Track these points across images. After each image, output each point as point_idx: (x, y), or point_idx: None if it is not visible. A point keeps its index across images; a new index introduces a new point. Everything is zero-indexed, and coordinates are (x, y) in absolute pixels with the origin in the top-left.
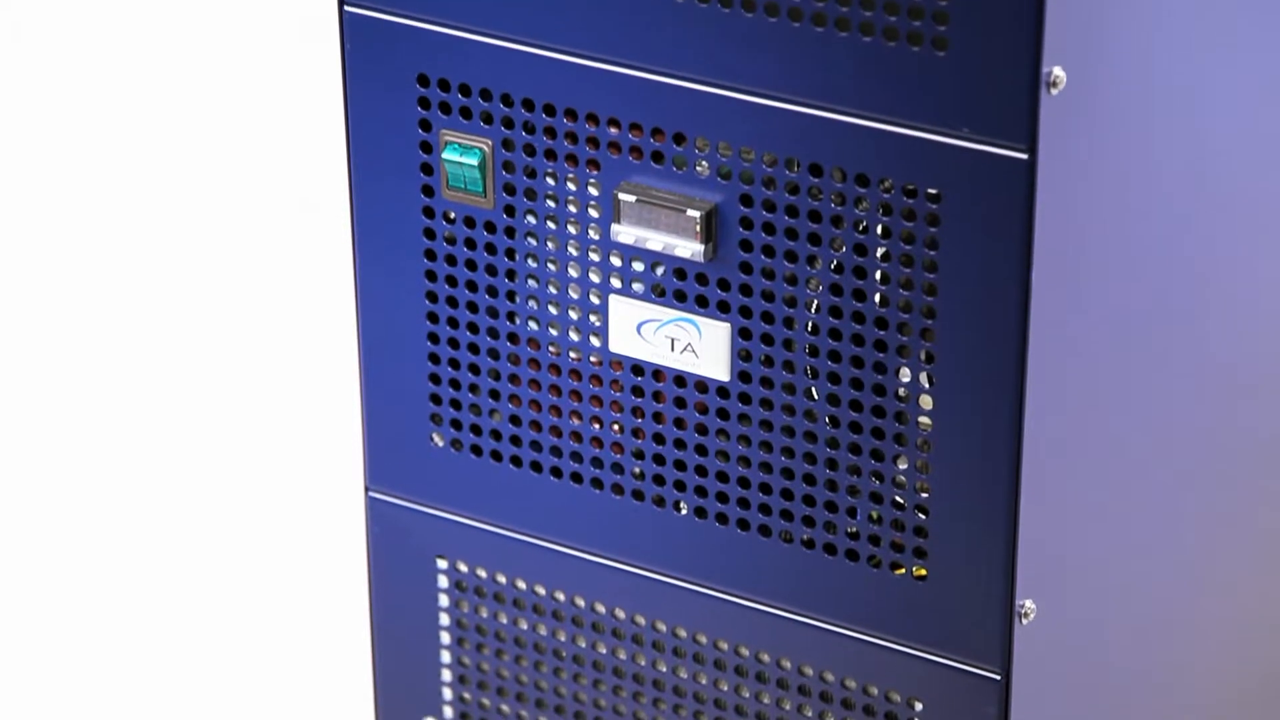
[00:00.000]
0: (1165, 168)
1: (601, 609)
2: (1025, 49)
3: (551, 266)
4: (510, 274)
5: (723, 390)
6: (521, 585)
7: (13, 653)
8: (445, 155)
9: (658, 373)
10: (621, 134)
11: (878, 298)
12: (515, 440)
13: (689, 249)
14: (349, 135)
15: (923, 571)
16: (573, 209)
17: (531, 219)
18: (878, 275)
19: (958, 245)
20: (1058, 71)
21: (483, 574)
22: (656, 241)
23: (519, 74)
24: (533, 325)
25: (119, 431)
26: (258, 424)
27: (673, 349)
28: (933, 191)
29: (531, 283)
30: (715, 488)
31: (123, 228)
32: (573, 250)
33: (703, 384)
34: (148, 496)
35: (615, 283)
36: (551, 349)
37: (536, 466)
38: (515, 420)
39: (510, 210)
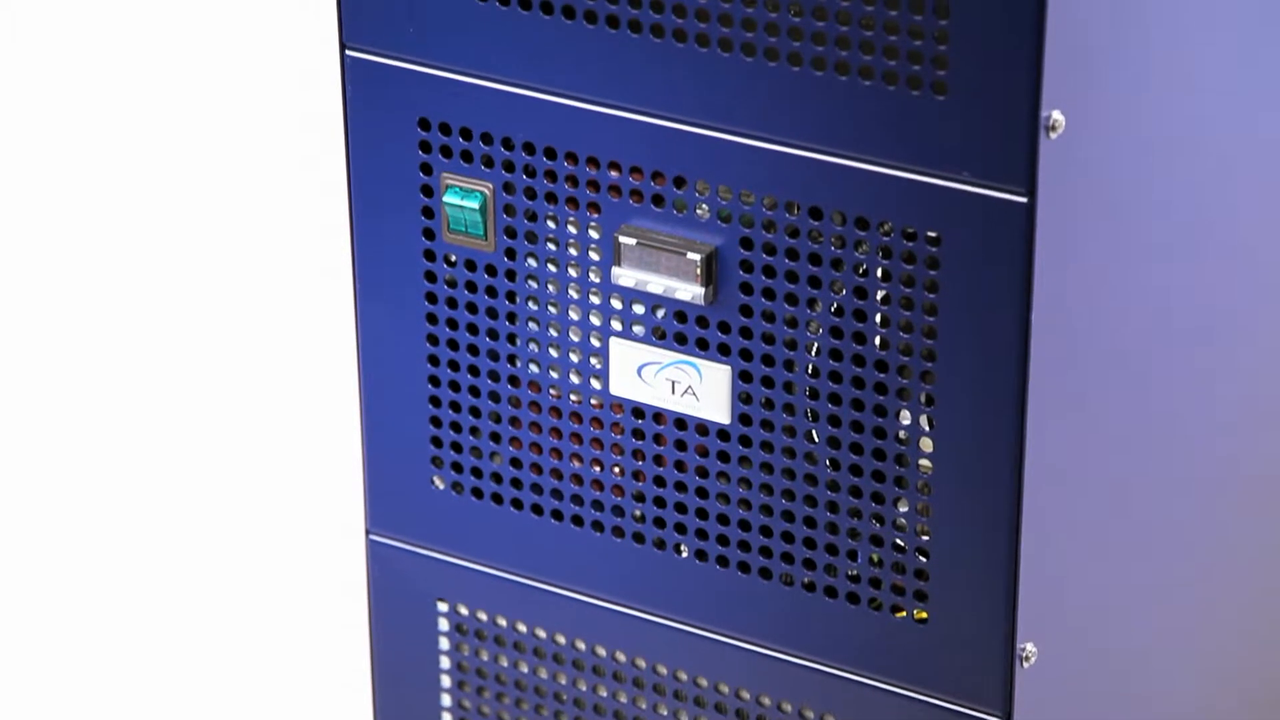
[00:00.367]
0: (1164, 210)
1: (602, 652)
2: (1024, 93)
3: (552, 309)
4: (511, 317)
5: (723, 433)
6: (522, 628)
7: (7, 663)
8: (446, 198)
9: (658, 415)
10: (622, 177)
11: (878, 340)
12: (516, 483)
13: (689, 292)
14: (350, 178)
15: (923, 614)
16: (573, 252)
17: (532, 262)
18: (878, 318)
19: (957, 288)
20: (1056, 115)
21: (483, 617)
22: (657, 284)
23: (520, 118)
24: (533, 368)
25: (116, 467)
26: (259, 467)
27: (673, 391)
28: (932, 234)
29: (532, 325)
30: (716, 530)
31: (127, 265)
32: (573, 293)
33: (703, 426)
34: (148, 538)
35: (616, 325)
36: (552, 392)
37: (537, 509)
38: (516, 463)
39: (511, 253)
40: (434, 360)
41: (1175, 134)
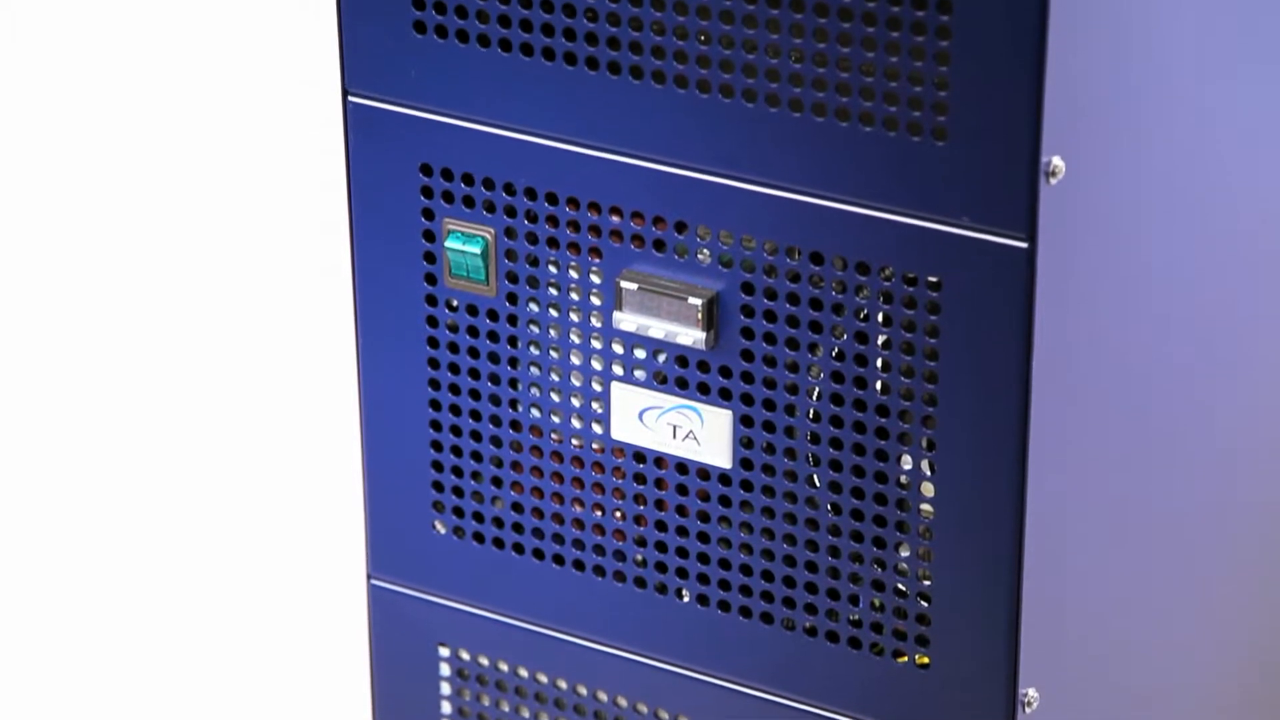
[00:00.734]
0: (1164, 255)
1: (604, 697)
2: (1024, 139)
3: (554, 354)
4: (513, 361)
5: (724, 477)
6: (523, 673)
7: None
8: (448, 243)
9: (659, 460)
10: (623, 222)
11: (879, 385)
12: (517, 527)
13: (691, 336)
14: (352, 223)
15: (925, 659)
16: (575, 297)
17: (534, 307)
18: (879, 363)
19: (958, 333)
20: (1057, 161)
21: (485, 662)
22: (658, 329)
23: (521, 163)
24: (535, 412)
25: (114, 506)
26: (261, 511)
27: (674, 436)
28: (933, 280)
29: (534, 370)
30: (717, 575)
31: (131, 306)
32: (575, 338)
33: (704, 471)
34: (148, 582)
35: (617, 370)
36: (554, 436)
37: (539, 554)
38: (517, 507)
39: (513, 298)
40: (435, 405)
41: (1175, 179)
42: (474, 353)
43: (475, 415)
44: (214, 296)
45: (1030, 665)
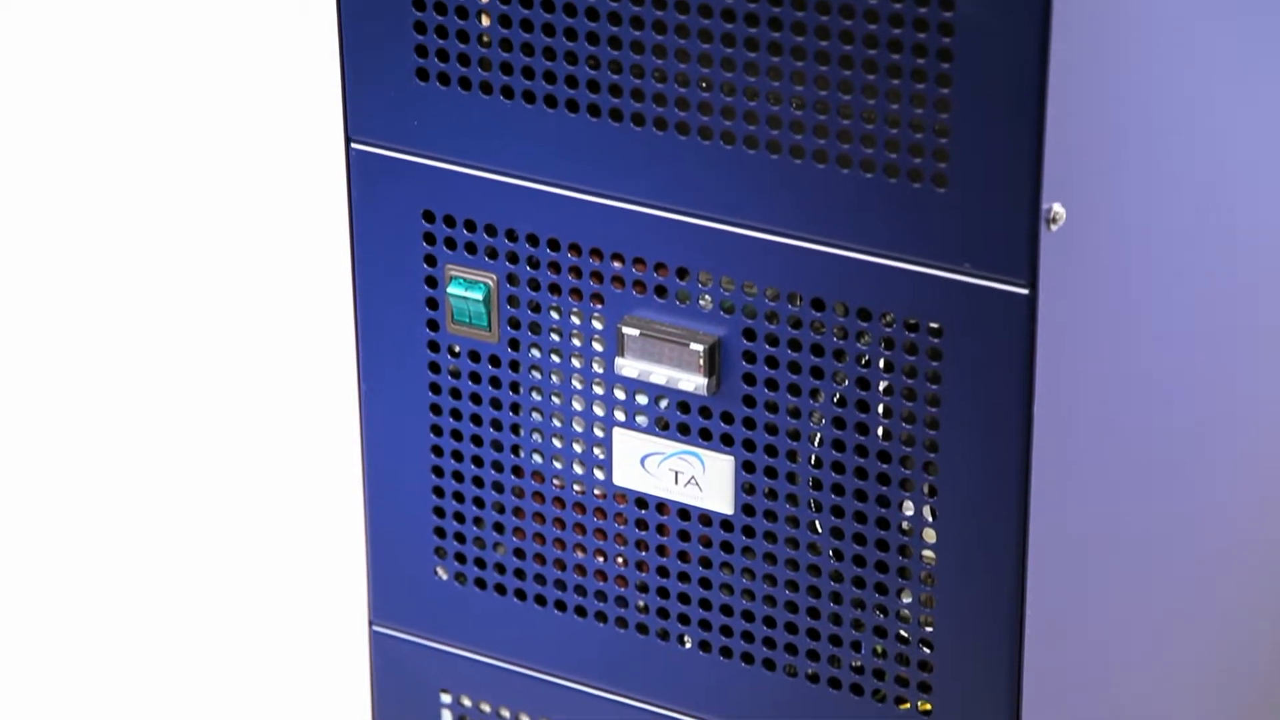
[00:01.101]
0: (1165, 300)
1: None
2: (1025, 185)
3: (556, 400)
4: (515, 407)
5: (726, 523)
6: (525, 719)
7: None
8: (450, 290)
9: (661, 506)
10: (625, 268)
11: (880, 431)
12: (519, 574)
13: (692, 382)
14: (355, 270)
15: (928, 706)
16: (577, 343)
17: (536, 353)
18: (880, 409)
19: (959, 379)
20: (1057, 208)
21: (487, 708)
22: (660, 375)
23: (524, 210)
24: (537, 459)
25: (115, 540)
26: (263, 558)
27: (676, 482)
28: (934, 326)
29: (536, 416)
30: (719, 621)
31: (137, 359)
32: (577, 384)
33: (706, 517)
34: (148, 628)
35: (619, 416)
36: (556, 482)
37: (541, 600)
38: (519, 554)
39: (515, 344)
40: (438, 450)
41: (1176, 224)
42: (476, 399)
43: (477, 461)
44: (218, 342)
45: (1032, 711)
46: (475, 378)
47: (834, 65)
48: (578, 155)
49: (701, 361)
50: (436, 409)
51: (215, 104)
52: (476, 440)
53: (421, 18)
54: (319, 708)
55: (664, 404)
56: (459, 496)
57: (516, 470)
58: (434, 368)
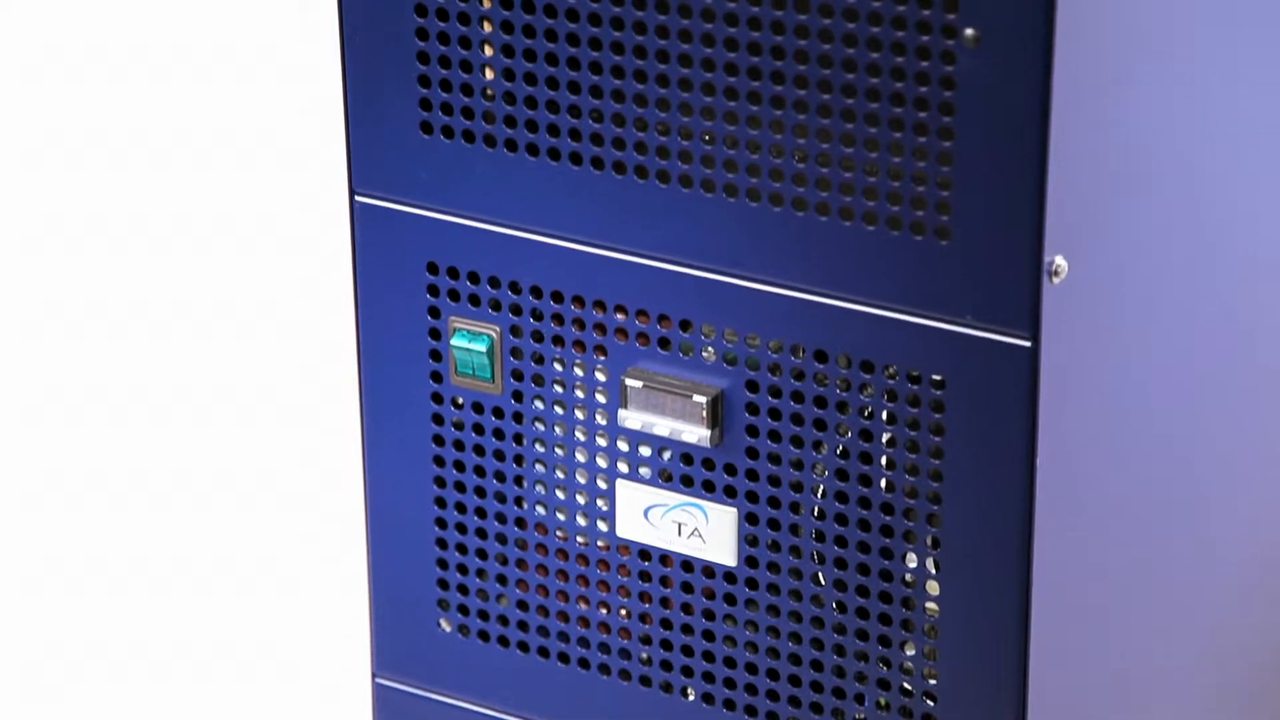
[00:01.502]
0: (1166, 352)
1: None
2: (1027, 238)
3: (559, 451)
4: (518, 459)
5: (729, 575)
6: None
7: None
8: (453, 341)
9: (665, 557)
10: (628, 320)
11: (883, 483)
12: (522, 625)
13: (695, 434)
14: (359, 321)
15: None
16: (580, 394)
17: (539, 404)
18: (883, 460)
19: (962, 431)
20: (1059, 261)
21: None
22: (663, 427)
23: (526, 261)
24: (540, 510)
25: (114, 582)
26: (266, 610)
27: (679, 533)
28: (937, 378)
29: (539, 468)
30: (723, 673)
31: (139, 412)
32: (580, 435)
33: (709, 569)
34: (149, 684)
35: (622, 467)
36: (559, 534)
37: (544, 652)
38: (523, 605)
39: (518, 396)
40: (441, 502)
41: (1178, 277)
42: (479, 450)
43: (480, 513)
44: (223, 392)
45: None
46: (479, 429)
47: (836, 118)
48: (581, 208)
49: (704, 413)
50: (440, 460)
51: (221, 158)
52: (480, 492)
53: (426, 71)
54: None
55: (667, 456)
56: (462, 548)
57: (520, 522)
58: (437, 419)
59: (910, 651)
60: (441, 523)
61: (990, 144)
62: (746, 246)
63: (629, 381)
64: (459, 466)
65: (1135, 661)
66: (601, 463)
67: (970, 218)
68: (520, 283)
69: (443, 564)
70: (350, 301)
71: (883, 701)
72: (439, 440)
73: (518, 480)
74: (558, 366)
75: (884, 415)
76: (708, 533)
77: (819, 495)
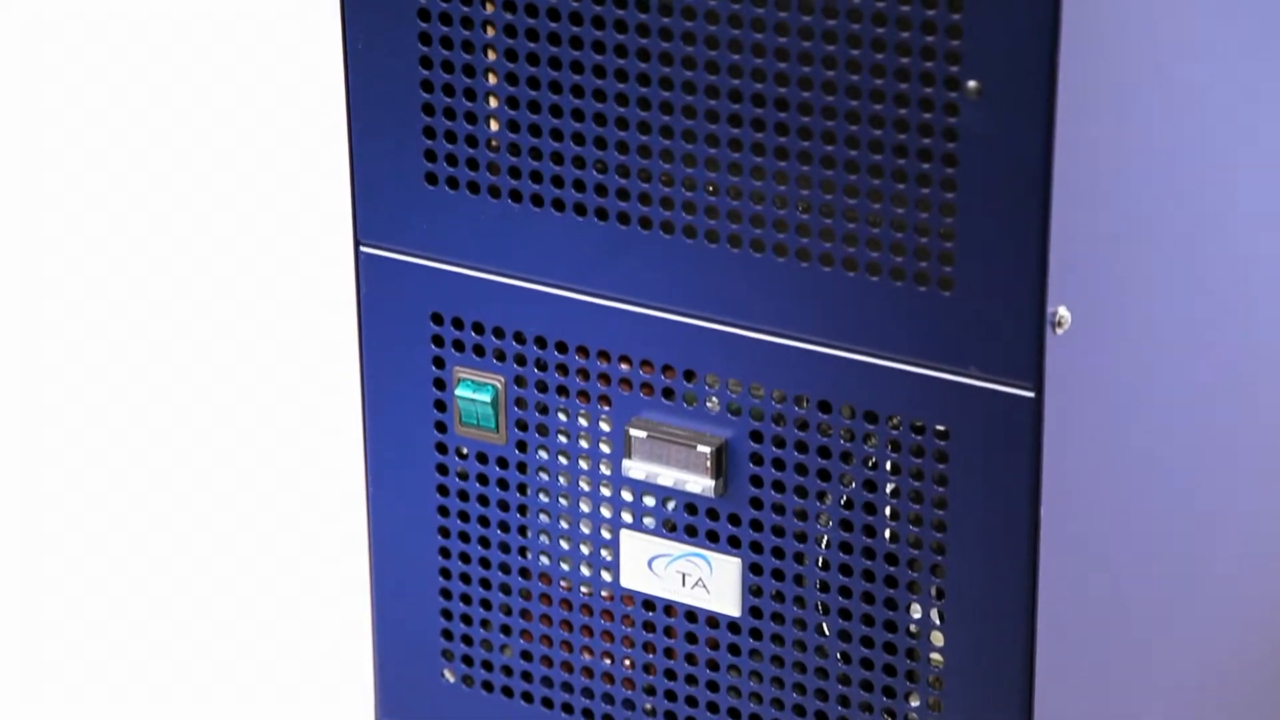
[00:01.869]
0: (1169, 402)
1: None
2: (1030, 289)
3: (563, 502)
4: (522, 509)
5: (733, 625)
6: None
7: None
8: (458, 392)
9: (669, 608)
10: (632, 370)
11: (887, 533)
12: (527, 676)
13: (700, 484)
14: (363, 371)
15: None
16: (584, 445)
17: (544, 454)
18: (887, 511)
19: (966, 481)
20: (1062, 311)
21: None
22: (667, 477)
23: (531, 312)
24: (544, 560)
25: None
26: (270, 659)
27: (683, 584)
28: (940, 428)
29: (543, 518)
30: None
31: (138, 462)
32: (584, 486)
33: (714, 619)
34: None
35: (626, 518)
36: (563, 584)
37: (548, 703)
38: (527, 656)
39: (523, 446)
40: (445, 552)
41: (1181, 327)
42: (484, 500)
43: (485, 563)
44: (227, 438)
45: None
46: (483, 479)
47: (840, 170)
48: (585, 258)
49: (708, 463)
50: (444, 510)
51: (225, 207)
52: (484, 542)
53: (430, 123)
54: None
55: (671, 506)
56: (466, 598)
57: (524, 572)
58: (442, 469)
59: (915, 703)
60: (446, 573)
61: (993, 195)
62: (750, 297)
63: (633, 431)
64: (463, 517)
65: (1146, 703)
66: (605, 513)
67: (973, 269)
68: (525, 333)
69: (447, 614)
70: (354, 352)
71: None
72: (443, 490)
73: (522, 530)
74: (562, 416)
75: (888, 465)
76: (712, 583)
77: (823, 545)
